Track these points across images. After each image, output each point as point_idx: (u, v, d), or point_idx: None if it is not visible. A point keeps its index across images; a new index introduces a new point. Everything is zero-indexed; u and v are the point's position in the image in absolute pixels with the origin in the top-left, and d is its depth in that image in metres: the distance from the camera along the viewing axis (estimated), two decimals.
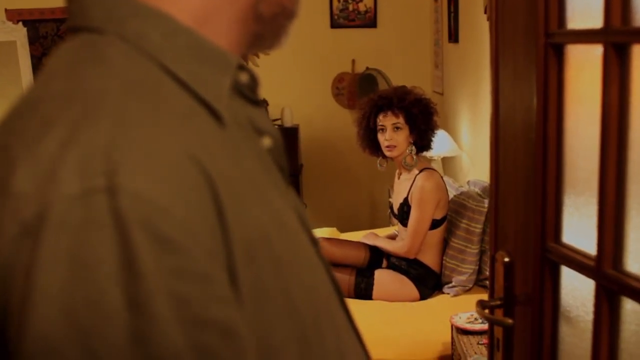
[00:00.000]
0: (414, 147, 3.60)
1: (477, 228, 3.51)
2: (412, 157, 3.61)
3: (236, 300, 0.55)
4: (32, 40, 5.74)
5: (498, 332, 1.56)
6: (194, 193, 0.54)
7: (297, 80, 6.19)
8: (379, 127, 3.64)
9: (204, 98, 0.63)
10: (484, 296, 3.39)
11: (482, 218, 3.50)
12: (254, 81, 0.72)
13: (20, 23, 5.51)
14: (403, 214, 3.62)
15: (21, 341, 0.50)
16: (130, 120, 0.55)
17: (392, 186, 5.41)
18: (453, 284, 3.54)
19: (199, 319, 0.52)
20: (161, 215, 0.51)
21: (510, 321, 1.47)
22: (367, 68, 5.70)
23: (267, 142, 0.72)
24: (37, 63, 5.82)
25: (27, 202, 0.51)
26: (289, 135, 5.93)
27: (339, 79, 6.19)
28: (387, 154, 3.66)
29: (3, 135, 0.59)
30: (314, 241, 0.77)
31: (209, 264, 0.53)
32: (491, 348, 1.61)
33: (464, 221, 3.56)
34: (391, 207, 3.88)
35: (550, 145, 1.34)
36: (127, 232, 0.50)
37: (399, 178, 3.79)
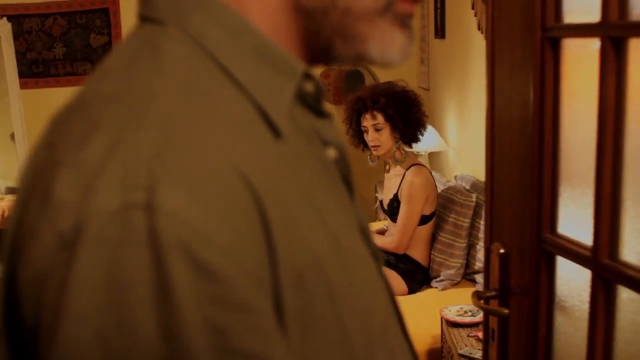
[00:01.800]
0: (401, 143, 3.62)
1: (465, 222, 3.54)
2: (401, 153, 3.63)
3: (280, 329, 0.52)
4: (17, 36, 5.72)
5: (493, 322, 1.58)
6: (240, 216, 0.50)
7: None
8: (362, 129, 3.67)
9: (263, 107, 0.59)
10: (472, 290, 3.43)
11: (470, 212, 3.53)
12: (319, 91, 0.66)
13: (5, 18, 5.48)
14: (393, 210, 3.64)
15: (50, 357, 0.48)
16: (179, 129, 0.52)
17: (380, 182, 5.44)
18: (441, 278, 3.57)
19: (236, 350, 0.49)
20: (201, 240, 0.48)
21: (506, 311, 1.49)
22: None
23: (332, 153, 0.69)
24: (21, 58, 5.80)
25: (66, 212, 0.49)
26: None
27: (325, 75, 6.19)
28: (374, 153, 3.69)
29: (52, 133, 0.57)
30: (376, 257, 0.73)
31: (252, 292, 0.50)
32: (486, 338, 1.63)
33: (452, 215, 3.59)
34: (381, 203, 3.90)
35: (546, 138, 1.36)
36: (163, 255, 0.47)
37: (388, 173, 3.80)
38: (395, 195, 3.62)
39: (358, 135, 3.71)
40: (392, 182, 3.72)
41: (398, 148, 3.63)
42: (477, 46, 4.11)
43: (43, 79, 6.14)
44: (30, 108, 6.08)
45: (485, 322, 1.62)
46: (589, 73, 1.25)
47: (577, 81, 1.33)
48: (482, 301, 1.56)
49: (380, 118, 3.58)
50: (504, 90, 1.51)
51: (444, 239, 3.60)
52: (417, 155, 4.39)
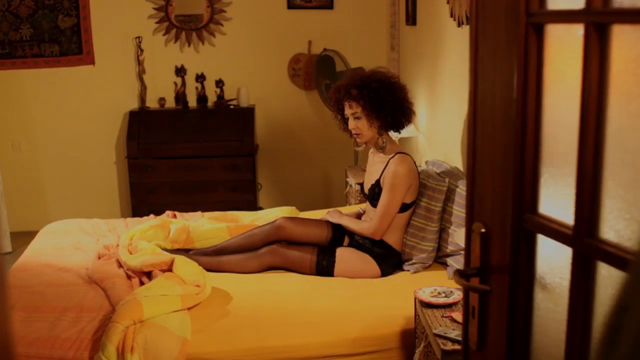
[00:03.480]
0: (383, 130, 3.66)
1: (437, 207, 3.60)
2: (383, 140, 3.67)
3: None
4: None
5: (473, 300, 1.63)
6: None
7: (253, 61, 6.20)
8: (345, 116, 3.72)
9: None
10: (443, 273, 3.50)
11: (442, 197, 3.59)
12: None
13: None
14: (374, 195, 3.68)
15: None
16: None
17: (350, 167, 5.47)
18: (413, 261, 3.62)
19: None
20: None
21: (488, 288, 1.54)
22: (325, 49, 5.74)
23: None
24: None
25: None
26: (245, 116, 5.94)
27: (295, 59, 6.22)
28: (358, 140, 3.74)
29: None
30: None
31: None
32: (466, 315, 1.67)
33: (423, 200, 3.64)
34: (361, 186, 3.93)
35: (529, 120, 1.41)
36: None
37: (373, 157, 3.83)
38: (377, 181, 3.66)
39: (344, 122, 3.76)
40: (374, 168, 3.75)
41: (380, 135, 3.67)
42: (449, 33, 4.16)
43: (9, 60, 6.07)
44: None
45: (466, 300, 1.67)
46: (572, 58, 1.29)
47: (560, 66, 1.38)
48: (463, 279, 1.61)
49: (357, 107, 3.62)
50: (487, 73, 1.55)
51: (416, 223, 3.65)
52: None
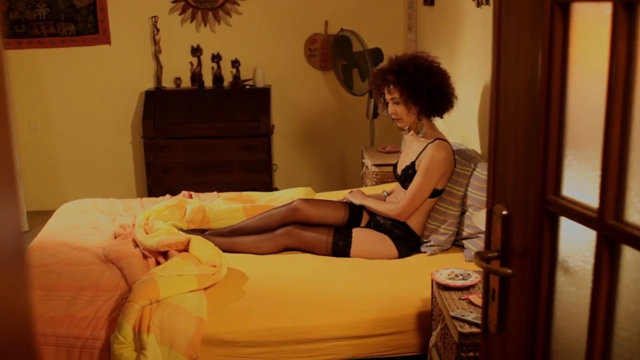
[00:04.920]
0: (422, 115, 3.65)
1: (460, 191, 3.58)
2: (422, 124, 3.66)
3: None
4: None
5: (494, 282, 1.61)
6: None
7: (270, 41, 6.17)
8: (385, 101, 3.72)
9: None
10: (460, 255, 3.48)
11: (465, 181, 3.56)
12: None
13: None
14: (406, 177, 3.66)
15: None
16: None
17: (366, 148, 5.45)
18: (431, 243, 3.61)
19: None
20: None
21: (509, 271, 1.52)
22: (342, 29, 5.70)
23: None
24: (3, 19, 5.72)
25: None
26: (261, 96, 5.92)
27: (312, 40, 6.18)
28: (398, 125, 3.74)
29: None
30: None
31: None
32: (486, 298, 1.66)
33: (447, 184, 3.62)
34: (394, 168, 3.90)
35: (553, 100, 1.38)
36: None
37: (411, 141, 3.81)
38: (413, 163, 3.64)
39: (387, 107, 3.75)
40: (411, 150, 3.73)
41: (420, 120, 3.65)
42: (468, 14, 4.12)
43: (26, 40, 6.07)
44: (12, 69, 6.01)
45: (486, 283, 1.65)
46: (599, 37, 1.26)
47: (586, 45, 1.35)
48: (483, 262, 1.59)
49: (395, 93, 3.60)
50: (511, 53, 1.52)
51: (439, 207, 3.63)
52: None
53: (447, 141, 3.65)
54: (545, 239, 1.44)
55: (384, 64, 3.77)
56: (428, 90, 3.56)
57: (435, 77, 3.60)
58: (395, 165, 3.89)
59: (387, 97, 3.66)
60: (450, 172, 3.61)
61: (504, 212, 1.56)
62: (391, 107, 3.66)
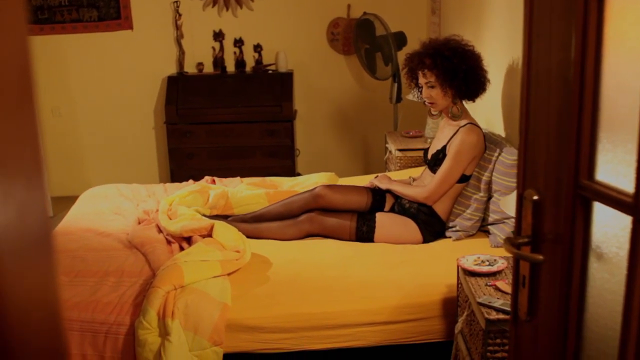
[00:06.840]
0: (457, 99, 3.61)
1: (486, 176, 3.54)
2: (457, 108, 3.62)
3: None
4: None
5: (524, 269, 1.58)
6: None
7: (292, 25, 6.13)
8: (419, 85, 3.68)
9: None
10: (485, 241, 3.44)
11: (491, 166, 3.52)
12: None
13: None
14: (436, 161, 3.63)
15: None
16: None
17: (389, 133, 5.42)
18: (457, 228, 3.58)
19: None
20: None
21: (541, 257, 1.49)
22: (365, 13, 5.65)
23: None
24: (25, 5, 5.70)
25: None
26: (284, 81, 5.90)
27: (334, 24, 6.14)
28: (432, 109, 3.70)
29: None
30: None
31: None
32: (516, 285, 1.63)
33: (474, 169, 3.59)
34: (425, 153, 3.87)
35: (587, 83, 1.35)
36: None
37: (444, 125, 3.79)
38: (444, 147, 3.61)
39: (420, 90, 3.72)
40: (443, 134, 3.71)
41: (455, 104, 3.61)
42: None
43: (48, 26, 6.07)
44: (35, 55, 6.02)
45: (516, 269, 1.62)
46: (635, 17, 1.23)
47: (622, 26, 1.31)
48: (514, 247, 1.56)
49: (431, 76, 3.57)
50: (543, 33, 1.49)
51: (465, 192, 3.60)
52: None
53: (478, 126, 3.61)
54: (578, 225, 1.41)
55: (417, 48, 3.72)
56: (464, 72, 3.52)
57: (470, 60, 3.56)
58: (426, 151, 3.86)
59: (422, 80, 3.62)
60: (480, 157, 3.57)
61: (535, 197, 1.53)
62: (426, 91, 3.62)
